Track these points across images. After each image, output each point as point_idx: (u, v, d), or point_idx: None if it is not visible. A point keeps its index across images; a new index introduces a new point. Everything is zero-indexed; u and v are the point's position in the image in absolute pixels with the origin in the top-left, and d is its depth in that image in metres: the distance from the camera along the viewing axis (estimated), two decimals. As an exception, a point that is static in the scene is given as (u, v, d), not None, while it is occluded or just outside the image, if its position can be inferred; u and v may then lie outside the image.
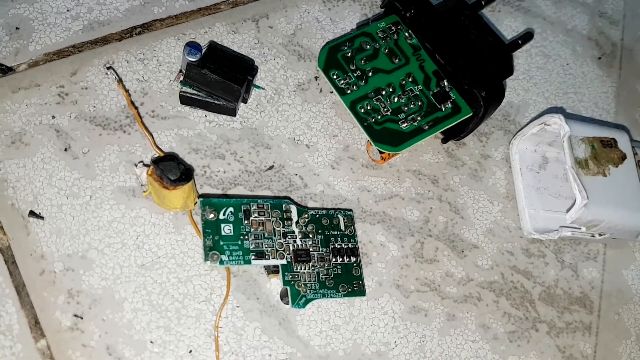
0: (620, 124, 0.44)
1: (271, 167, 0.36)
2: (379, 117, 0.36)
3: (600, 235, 0.38)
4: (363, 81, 0.36)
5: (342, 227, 0.35)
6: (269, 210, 0.33)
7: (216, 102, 0.35)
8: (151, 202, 0.33)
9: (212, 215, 0.31)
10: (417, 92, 0.37)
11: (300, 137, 0.37)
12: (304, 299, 0.32)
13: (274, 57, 0.39)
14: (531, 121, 0.39)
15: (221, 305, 0.32)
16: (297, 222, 0.33)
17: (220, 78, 0.34)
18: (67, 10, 0.37)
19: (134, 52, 0.37)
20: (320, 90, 0.39)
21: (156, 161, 0.31)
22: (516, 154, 0.40)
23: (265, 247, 0.32)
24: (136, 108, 0.35)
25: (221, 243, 0.31)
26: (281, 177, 0.36)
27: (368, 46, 0.37)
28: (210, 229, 0.31)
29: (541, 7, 0.46)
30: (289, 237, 0.33)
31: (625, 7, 0.48)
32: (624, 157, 0.39)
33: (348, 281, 0.33)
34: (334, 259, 0.33)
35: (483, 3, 0.40)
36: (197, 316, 0.32)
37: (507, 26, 0.45)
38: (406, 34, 0.38)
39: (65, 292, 0.31)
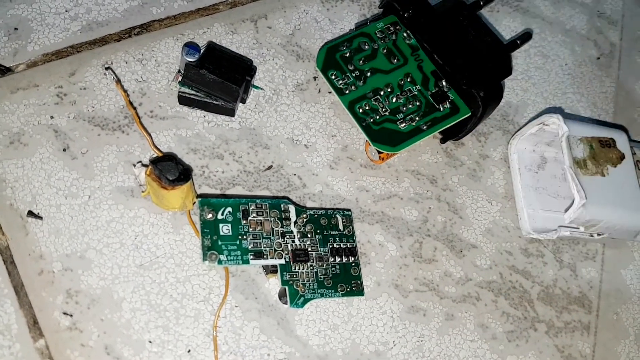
0: (619, 124, 0.44)
1: (270, 167, 0.36)
2: (378, 117, 0.36)
3: (598, 235, 0.38)
4: (361, 81, 0.36)
5: (341, 227, 0.35)
6: (268, 210, 0.33)
7: (215, 102, 0.35)
8: (150, 202, 0.33)
9: (210, 215, 0.31)
10: (416, 92, 0.37)
11: (298, 137, 0.37)
12: (302, 298, 0.32)
13: (273, 57, 0.39)
14: (530, 121, 0.39)
15: (220, 305, 0.32)
16: (295, 222, 0.33)
17: (218, 78, 0.34)
18: (66, 11, 0.37)
19: (132, 53, 0.37)
20: (319, 91, 0.39)
21: (155, 161, 0.31)
22: (515, 154, 0.40)
23: (264, 247, 0.32)
24: (135, 108, 0.35)
25: (219, 243, 0.31)
26: (280, 177, 0.36)
27: (366, 46, 0.37)
28: (208, 229, 0.31)
29: (540, 7, 0.46)
30: (288, 237, 0.33)
31: (624, 7, 0.48)
32: (622, 157, 0.39)
33: (346, 281, 0.33)
34: (332, 259, 0.34)
35: (481, 3, 0.40)
36: (195, 316, 0.32)
37: (506, 26, 0.45)
38: (404, 34, 0.38)
39: (64, 292, 0.31)
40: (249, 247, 0.32)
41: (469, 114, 0.37)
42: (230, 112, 0.36)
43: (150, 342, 0.31)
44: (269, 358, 0.32)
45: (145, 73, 0.36)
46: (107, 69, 0.36)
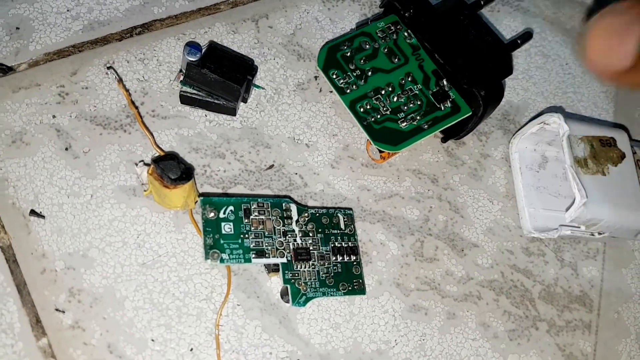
0: (619, 123, 0.44)
1: (271, 167, 0.36)
2: (379, 116, 0.36)
3: (599, 234, 0.38)
4: (362, 81, 0.36)
5: (342, 226, 0.35)
6: (269, 209, 0.33)
7: (216, 101, 0.35)
8: (152, 201, 0.33)
9: (212, 214, 0.31)
10: (417, 92, 0.37)
11: (300, 136, 0.37)
12: (304, 297, 0.32)
13: (274, 56, 0.39)
14: (530, 120, 0.39)
15: (222, 303, 0.32)
16: (297, 221, 0.33)
17: (220, 78, 0.34)
18: (67, 10, 0.37)
19: (134, 52, 0.37)
20: (320, 90, 0.39)
21: (157, 160, 0.31)
22: (516, 153, 0.40)
23: (266, 246, 0.32)
24: (136, 108, 0.35)
25: (222, 242, 0.31)
26: (281, 176, 0.36)
27: (367, 46, 0.37)
28: (210, 228, 0.31)
29: (540, 6, 0.46)
30: (289, 235, 0.33)
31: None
32: (623, 156, 0.39)
33: (348, 280, 0.34)
34: (334, 258, 0.34)
35: (482, 3, 0.40)
36: (197, 314, 0.32)
37: (506, 26, 0.45)
38: (405, 34, 0.38)
39: (67, 290, 0.31)
40: (251, 245, 0.32)
41: (470, 113, 0.37)
42: (232, 112, 0.36)
43: (152, 340, 0.31)
44: (271, 357, 0.32)
45: (146, 72, 0.36)
46: (108, 68, 0.36)
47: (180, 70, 0.35)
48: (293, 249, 0.33)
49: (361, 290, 0.34)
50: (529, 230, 0.38)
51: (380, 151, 0.37)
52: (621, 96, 0.45)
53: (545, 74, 0.44)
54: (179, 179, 0.31)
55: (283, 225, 0.33)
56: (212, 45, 0.36)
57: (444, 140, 0.39)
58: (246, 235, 0.32)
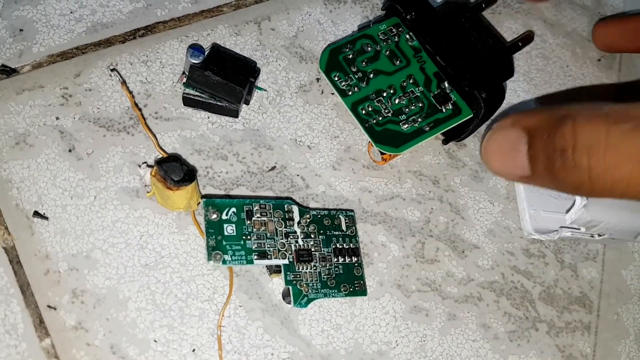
0: (620, 125, 0.44)
1: (273, 168, 0.36)
2: (380, 118, 0.36)
3: (599, 235, 0.38)
4: (364, 83, 0.37)
5: (344, 228, 0.35)
6: (271, 211, 0.33)
7: (219, 103, 0.35)
8: (155, 202, 0.34)
9: (215, 216, 0.32)
10: (418, 94, 0.37)
11: (302, 138, 0.37)
12: (305, 298, 0.32)
13: (276, 59, 0.39)
14: (531, 122, 0.40)
15: (224, 304, 0.32)
16: (299, 223, 0.34)
17: (222, 80, 0.34)
18: (71, 13, 0.37)
19: (137, 54, 0.37)
20: (322, 92, 0.39)
21: (160, 162, 0.31)
22: (516, 155, 0.40)
23: (268, 247, 0.32)
24: (140, 109, 0.35)
25: (224, 243, 0.31)
26: (283, 178, 0.36)
27: (369, 48, 0.37)
28: (213, 229, 0.31)
29: (541, 9, 0.46)
30: (291, 237, 0.33)
31: (625, 9, 0.49)
32: (623, 158, 0.39)
33: (349, 281, 0.34)
34: (335, 259, 0.34)
35: (484, 5, 0.41)
36: (200, 315, 0.32)
37: (508, 28, 0.45)
38: (407, 36, 0.38)
39: (70, 291, 0.31)
40: (253, 247, 0.32)
41: (471, 115, 0.37)
42: (234, 114, 0.36)
43: (155, 341, 0.31)
44: (273, 357, 0.32)
45: (150, 75, 0.36)
46: (112, 70, 0.36)
47: (183, 73, 0.35)
48: (295, 250, 0.33)
49: (362, 292, 0.34)
50: (530, 231, 0.38)
51: (382, 153, 0.37)
52: (621, 98, 0.45)
53: (546, 76, 0.44)
54: (182, 181, 0.31)
55: (285, 227, 0.33)
56: (215, 48, 0.36)
57: (445, 142, 0.39)
58: (248, 237, 0.32)
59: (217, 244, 0.31)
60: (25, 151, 0.33)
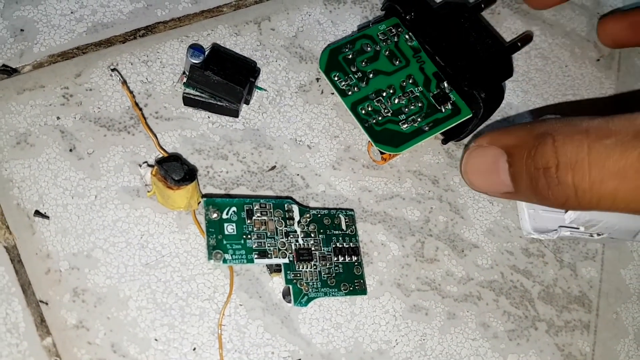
0: (619, 125, 0.44)
1: (273, 168, 0.36)
2: (380, 118, 0.36)
3: (598, 235, 0.38)
4: (364, 83, 0.37)
5: (344, 227, 0.35)
6: (272, 210, 0.33)
7: (219, 103, 0.35)
8: (155, 202, 0.34)
9: (215, 215, 0.32)
10: (418, 94, 0.37)
11: (301, 137, 0.37)
12: (306, 297, 0.32)
13: (276, 59, 0.39)
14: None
15: (224, 303, 0.32)
16: (299, 222, 0.34)
17: (223, 80, 0.35)
18: (71, 13, 0.37)
19: (137, 54, 0.37)
20: (322, 92, 0.39)
21: (160, 162, 0.32)
22: (515, 154, 0.40)
23: (268, 246, 0.32)
24: (140, 109, 0.36)
25: (224, 242, 0.31)
26: (283, 178, 0.36)
27: (369, 48, 0.38)
28: (213, 228, 0.31)
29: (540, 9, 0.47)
30: (291, 236, 0.33)
31: (624, 9, 0.49)
32: (622, 158, 0.39)
33: (349, 280, 0.34)
34: (335, 258, 0.34)
35: (483, 5, 0.41)
36: (200, 314, 0.32)
37: (507, 28, 0.45)
38: (406, 36, 0.38)
39: (71, 290, 0.31)
40: (254, 246, 0.32)
41: (471, 115, 0.37)
42: (234, 113, 0.36)
43: (156, 340, 0.31)
44: (273, 356, 0.33)
45: (150, 74, 0.37)
46: (112, 70, 0.36)
47: (184, 72, 0.35)
48: (295, 249, 0.33)
49: (362, 291, 0.34)
50: (529, 231, 0.38)
51: (382, 153, 0.37)
52: (620, 99, 0.46)
53: (545, 76, 0.44)
54: (183, 180, 0.31)
55: (285, 226, 0.33)
56: (215, 48, 0.36)
57: (444, 141, 0.39)
58: (248, 236, 0.32)
59: (218, 243, 0.31)
60: (26, 151, 0.33)
